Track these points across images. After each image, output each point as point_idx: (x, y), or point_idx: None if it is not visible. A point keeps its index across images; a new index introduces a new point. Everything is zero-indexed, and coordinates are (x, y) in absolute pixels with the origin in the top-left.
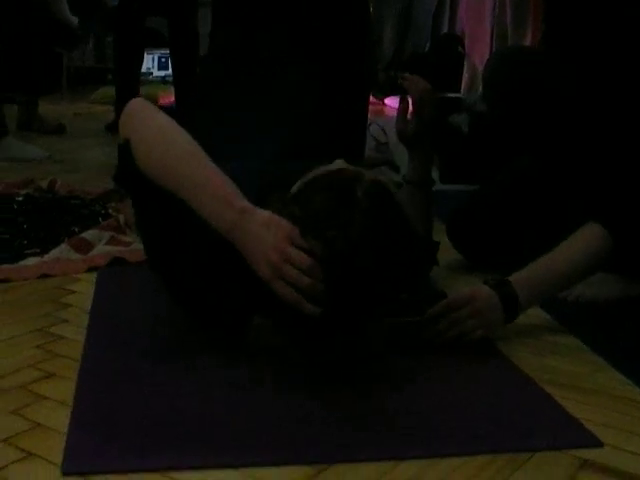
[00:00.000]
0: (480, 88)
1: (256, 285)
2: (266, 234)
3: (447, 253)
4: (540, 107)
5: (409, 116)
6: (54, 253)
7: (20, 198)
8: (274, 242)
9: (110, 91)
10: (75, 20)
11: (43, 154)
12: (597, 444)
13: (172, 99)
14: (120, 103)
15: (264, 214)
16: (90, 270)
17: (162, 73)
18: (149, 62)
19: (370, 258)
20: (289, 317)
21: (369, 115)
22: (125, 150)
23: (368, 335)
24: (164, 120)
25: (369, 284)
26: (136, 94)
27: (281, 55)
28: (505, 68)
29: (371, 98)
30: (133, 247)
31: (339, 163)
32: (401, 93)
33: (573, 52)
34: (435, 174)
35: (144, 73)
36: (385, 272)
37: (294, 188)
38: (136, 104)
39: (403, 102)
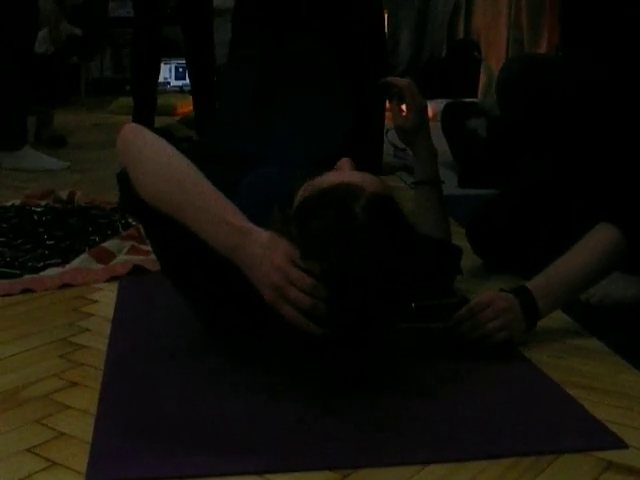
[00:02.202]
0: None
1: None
2: (267, 255)
3: (467, 259)
4: (553, 113)
5: (404, 112)
6: (75, 263)
7: (40, 209)
8: (275, 263)
9: (128, 101)
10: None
11: (62, 165)
12: (622, 446)
13: (190, 109)
14: (138, 114)
15: (264, 234)
16: (111, 279)
17: (179, 83)
18: (166, 72)
19: (372, 277)
20: (297, 335)
21: (387, 121)
22: (124, 179)
23: (382, 346)
24: (159, 146)
25: (373, 302)
26: (154, 104)
27: (308, 62)
28: (518, 77)
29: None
30: (153, 256)
31: (344, 164)
32: (388, 96)
33: (590, 51)
34: (454, 178)
35: (161, 83)
36: (389, 287)
37: (294, 203)
38: (129, 131)
39: (392, 101)
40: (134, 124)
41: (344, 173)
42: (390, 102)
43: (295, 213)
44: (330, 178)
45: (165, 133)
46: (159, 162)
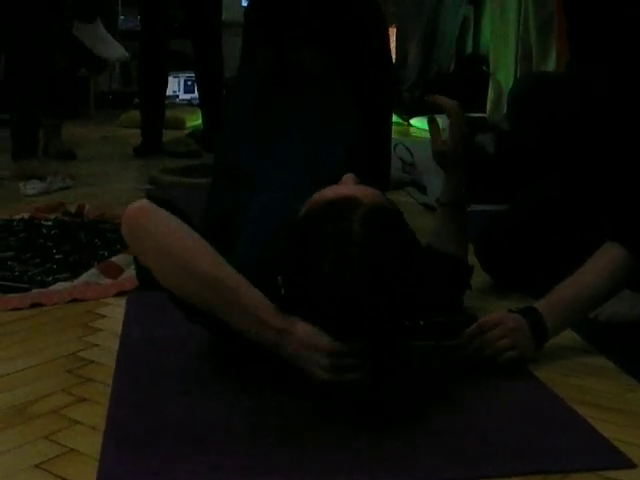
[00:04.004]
0: (505, 108)
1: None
2: (309, 356)
3: (476, 275)
4: (563, 132)
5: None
6: (84, 278)
7: (49, 223)
8: (322, 364)
9: (137, 115)
10: (116, 52)
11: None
12: (630, 465)
13: (199, 122)
14: (146, 127)
15: (302, 335)
16: (120, 294)
17: (188, 96)
18: (175, 85)
19: (375, 295)
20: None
21: (396, 136)
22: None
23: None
24: (174, 235)
25: (380, 318)
26: (161, 118)
27: (315, 76)
28: (529, 95)
29: (397, 119)
30: None
31: (347, 179)
32: (430, 113)
33: (598, 67)
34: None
35: (170, 96)
36: (393, 300)
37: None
38: (137, 214)
39: (433, 123)
40: (143, 203)
41: (343, 186)
42: (430, 124)
43: (295, 232)
44: (328, 192)
45: (177, 208)
46: (177, 255)
